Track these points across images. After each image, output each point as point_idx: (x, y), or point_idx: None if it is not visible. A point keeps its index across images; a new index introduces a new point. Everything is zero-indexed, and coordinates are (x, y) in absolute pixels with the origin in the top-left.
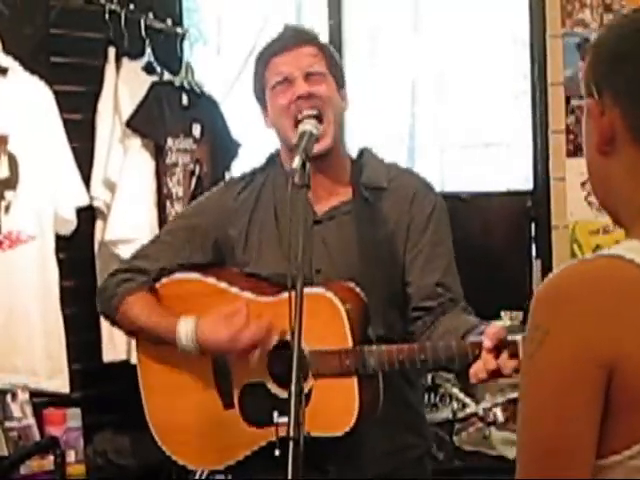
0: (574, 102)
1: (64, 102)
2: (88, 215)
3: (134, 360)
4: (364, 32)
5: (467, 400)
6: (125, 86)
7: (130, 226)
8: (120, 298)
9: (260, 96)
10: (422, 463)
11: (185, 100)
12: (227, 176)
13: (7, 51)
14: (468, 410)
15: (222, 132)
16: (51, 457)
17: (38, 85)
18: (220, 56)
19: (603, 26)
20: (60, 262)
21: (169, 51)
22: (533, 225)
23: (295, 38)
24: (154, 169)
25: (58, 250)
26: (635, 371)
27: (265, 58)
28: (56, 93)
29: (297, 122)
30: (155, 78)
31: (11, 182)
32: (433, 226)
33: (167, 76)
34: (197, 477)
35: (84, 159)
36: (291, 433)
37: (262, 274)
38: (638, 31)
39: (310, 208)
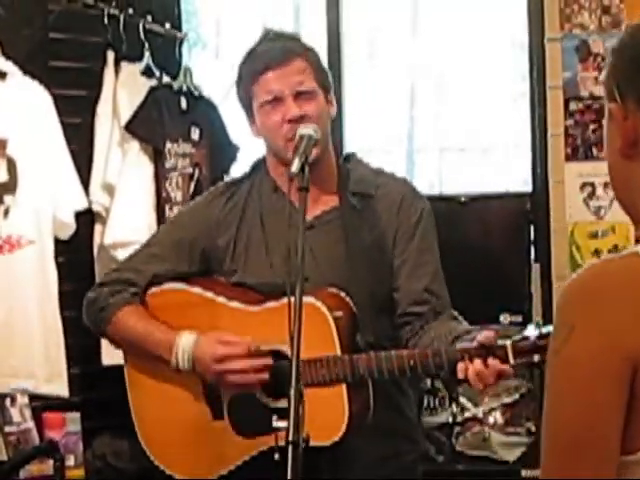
0: (573, 105)
1: (63, 106)
2: (87, 219)
3: None
4: (363, 34)
5: (466, 403)
6: (124, 90)
7: (129, 230)
8: (111, 311)
9: (247, 105)
10: (414, 469)
11: (184, 104)
12: (226, 179)
13: (6, 55)
14: (467, 413)
15: (221, 135)
16: (50, 461)
17: (37, 89)
18: (219, 60)
19: (624, 31)
20: (59, 266)
21: (168, 55)
22: (532, 228)
23: (284, 53)
24: (153, 173)
25: (57, 254)
26: None
27: (252, 73)
28: (55, 97)
29: (289, 141)
30: (154, 82)
31: (10, 186)
32: (420, 233)
33: (166, 80)
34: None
35: (83, 163)
36: (290, 437)
37: (249, 282)
38: None
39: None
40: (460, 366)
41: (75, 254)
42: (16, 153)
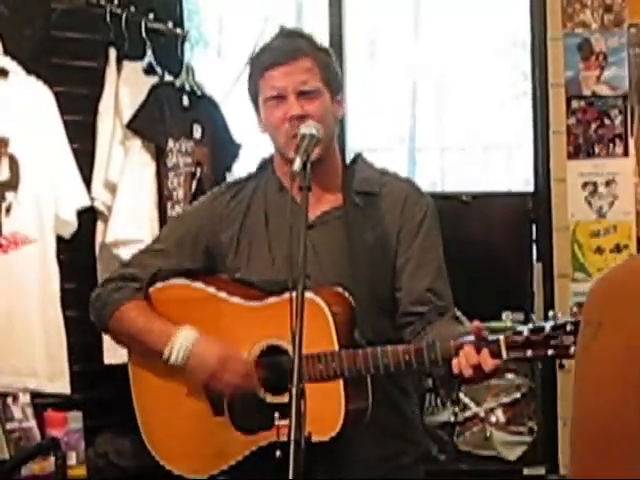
0: (575, 103)
1: (65, 104)
2: (89, 217)
3: None
4: (365, 34)
5: (468, 402)
6: (126, 88)
7: (131, 228)
8: (114, 306)
9: (254, 99)
10: (414, 469)
11: (186, 102)
12: (228, 177)
13: (8, 53)
14: (469, 412)
15: (223, 133)
16: (52, 459)
17: (39, 87)
18: (221, 57)
19: None
20: (61, 264)
21: (170, 53)
22: (534, 226)
23: (291, 51)
24: (155, 171)
25: (59, 252)
26: None
27: (260, 68)
28: (57, 95)
29: (290, 138)
30: (156, 80)
31: (12, 184)
32: (424, 232)
33: (168, 78)
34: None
35: (85, 161)
36: (292, 436)
37: (251, 280)
38: None
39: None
40: (454, 361)
41: (77, 252)
42: (18, 151)
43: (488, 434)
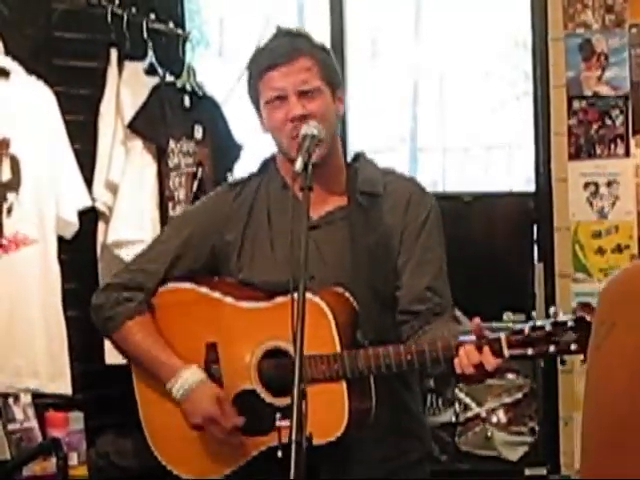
0: (576, 103)
1: (66, 104)
2: (90, 217)
3: None
4: (366, 34)
5: (470, 402)
6: (127, 88)
7: (132, 228)
8: (119, 322)
9: (255, 102)
10: (420, 467)
11: (187, 102)
12: (229, 178)
13: (9, 53)
14: (470, 412)
15: (224, 134)
16: (53, 459)
17: (40, 87)
18: (222, 58)
19: None
20: (62, 264)
21: (171, 53)
22: (535, 227)
23: (290, 51)
24: (156, 171)
25: (60, 252)
26: None
27: (258, 70)
28: (58, 95)
29: (292, 139)
30: (157, 80)
31: (13, 184)
32: (426, 232)
33: (169, 78)
34: None
35: (86, 161)
36: (293, 437)
37: (254, 281)
38: None
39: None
40: (456, 360)
41: (78, 253)
42: (19, 152)
43: (489, 434)
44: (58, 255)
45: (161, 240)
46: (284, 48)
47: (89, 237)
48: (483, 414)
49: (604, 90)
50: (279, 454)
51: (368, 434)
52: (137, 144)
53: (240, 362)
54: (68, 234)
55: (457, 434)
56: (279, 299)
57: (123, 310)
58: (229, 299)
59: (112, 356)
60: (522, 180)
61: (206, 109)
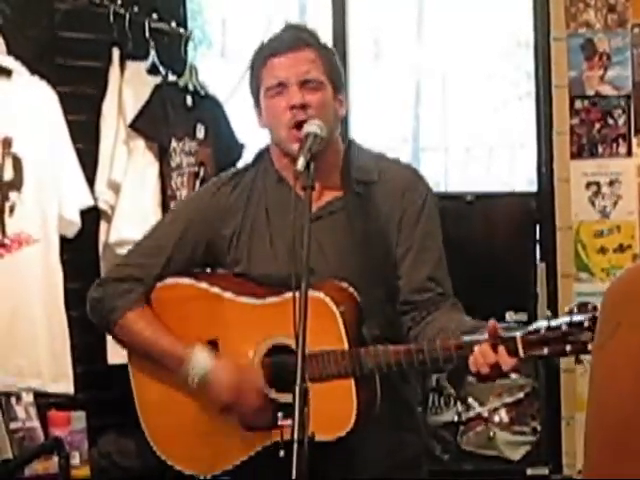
0: (578, 103)
1: (68, 104)
2: (92, 217)
3: None
4: (368, 34)
5: (472, 402)
6: (129, 88)
7: (134, 227)
8: (119, 314)
9: (254, 93)
10: (419, 461)
11: (189, 102)
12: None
13: (12, 53)
14: (472, 412)
15: (226, 134)
16: (55, 459)
17: (42, 87)
18: (224, 57)
19: None
20: (64, 264)
21: (173, 53)
22: (537, 226)
23: (295, 40)
24: (158, 171)
25: (62, 252)
26: None
27: (263, 56)
28: (60, 95)
29: (290, 129)
30: (159, 80)
31: (16, 184)
32: (424, 219)
33: (171, 78)
34: (202, 478)
35: (88, 161)
36: (295, 436)
37: (252, 274)
38: None
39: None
40: (471, 359)
41: (80, 252)
42: (22, 151)
43: (491, 434)
44: (60, 254)
45: (157, 233)
46: (290, 37)
47: (91, 236)
48: (485, 414)
49: (606, 90)
50: (281, 453)
51: (370, 429)
52: (139, 144)
53: (243, 359)
54: (70, 233)
55: (459, 433)
56: (281, 296)
57: (123, 302)
58: (229, 294)
59: (114, 356)
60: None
61: (208, 109)
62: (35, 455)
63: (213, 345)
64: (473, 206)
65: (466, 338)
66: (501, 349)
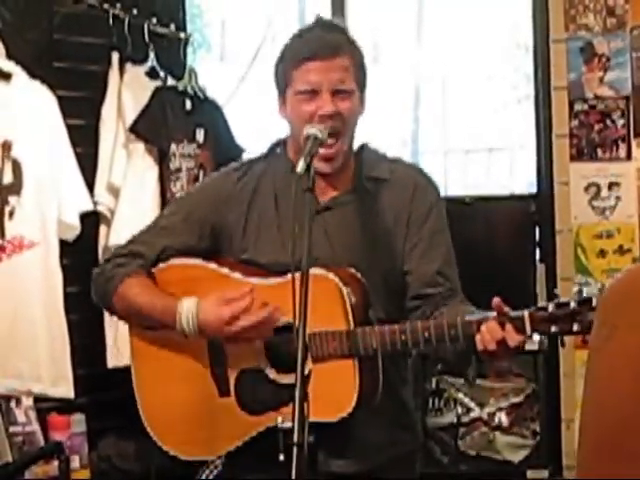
0: (577, 106)
1: (68, 107)
2: (92, 220)
3: None
4: (368, 37)
5: (471, 404)
6: (128, 91)
7: (134, 231)
8: (117, 281)
9: (282, 86)
10: (411, 460)
11: (188, 105)
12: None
13: (11, 56)
14: (472, 414)
15: (225, 137)
16: (55, 462)
17: (42, 90)
18: (223, 61)
19: None
20: (64, 267)
21: (172, 56)
22: (537, 229)
23: (332, 47)
24: (158, 174)
25: (62, 255)
26: None
27: (296, 57)
28: (60, 98)
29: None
30: (159, 83)
31: (15, 187)
32: (433, 218)
33: (170, 81)
34: (203, 478)
35: (88, 164)
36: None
37: (260, 261)
38: None
39: (313, 198)
40: (478, 337)
41: (80, 256)
42: (21, 155)
43: (491, 437)
44: (60, 258)
45: (162, 217)
46: (326, 41)
47: (91, 240)
48: (485, 416)
49: (605, 92)
50: (281, 458)
51: (367, 419)
52: (139, 147)
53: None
54: (70, 237)
55: (459, 436)
56: (287, 277)
57: (119, 271)
58: (237, 275)
59: (114, 359)
60: (524, 182)
61: (207, 112)
62: (35, 459)
63: None
64: (472, 209)
65: (473, 317)
66: (509, 326)
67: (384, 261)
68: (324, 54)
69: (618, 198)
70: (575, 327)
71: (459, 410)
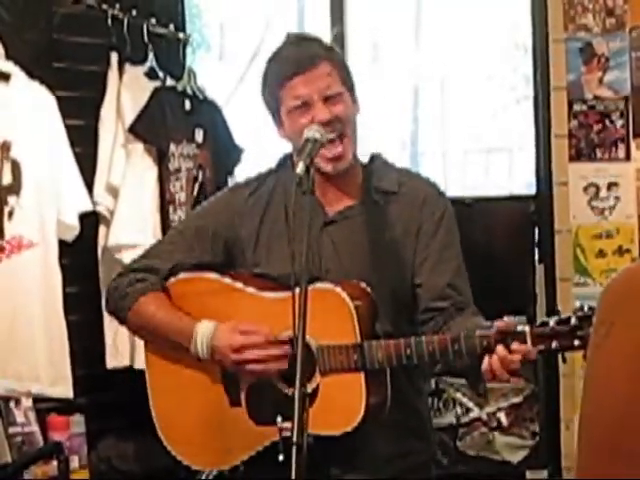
0: (577, 106)
1: (67, 108)
2: (91, 221)
3: (137, 366)
4: (367, 37)
5: (471, 405)
6: (128, 92)
7: (133, 232)
8: (133, 298)
9: (273, 109)
10: (426, 469)
11: (188, 105)
12: (230, 181)
13: (10, 57)
14: (472, 415)
15: (225, 137)
16: (55, 463)
17: (41, 91)
18: (222, 61)
19: None
20: (63, 268)
21: (172, 57)
22: (536, 229)
23: (309, 57)
24: (157, 174)
25: (61, 256)
26: None
27: (278, 79)
28: (59, 99)
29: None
30: (158, 84)
31: (14, 188)
32: (443, 231)
33: (170, 81)
34: (203, 478)
35: (87, 165)
36: (294, 439)
37: (272, 274)
38: None
39: (321, 210)
40: (486, 363)
41: (79, 256)
42: (20, 155)
43: (491, 437)
44: (59, 259)
45: (175, 232)
46: (302, 55)
47: (90, 241)
48: (484, 417)
49: (605, 93)
50: (280, 458)
51: (377, 431)
52: (138, 147)
53: None
54: (69, 237)
55: (458, 437)
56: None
57: (135, 288)
58: (251, 289)
59: (113, 360)
60: (523, 183)
61: (207, 112)
62: (34, 459)
63: None
64: (471, 209)
65: (474, 332)
66: (514, 344)
67: (393, 274)
68: (304, 67)
69: (617, 198)
70: (576, 343)
71: (458, 410)
